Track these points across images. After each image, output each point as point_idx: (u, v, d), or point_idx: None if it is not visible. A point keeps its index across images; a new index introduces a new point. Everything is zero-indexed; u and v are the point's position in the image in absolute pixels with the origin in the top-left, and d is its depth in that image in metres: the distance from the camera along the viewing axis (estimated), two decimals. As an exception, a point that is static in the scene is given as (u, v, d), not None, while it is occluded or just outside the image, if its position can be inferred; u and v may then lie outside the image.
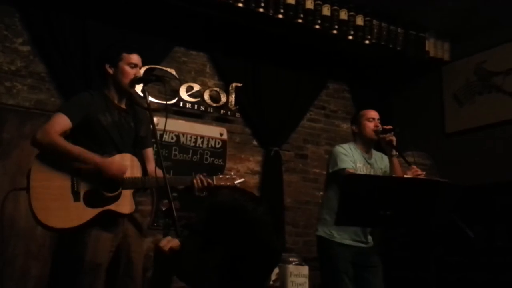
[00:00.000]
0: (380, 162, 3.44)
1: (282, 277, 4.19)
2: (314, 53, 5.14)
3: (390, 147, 3.30)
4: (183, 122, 4.64)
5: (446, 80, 5.33)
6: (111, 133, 2.62)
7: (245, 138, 5.02)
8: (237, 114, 4.89)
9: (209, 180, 2.76)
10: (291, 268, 4.21)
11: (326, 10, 4.65)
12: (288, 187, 5.11)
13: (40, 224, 2.40)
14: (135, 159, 2.69)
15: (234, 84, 4.83)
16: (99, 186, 2.50)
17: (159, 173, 2.60)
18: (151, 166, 2.78)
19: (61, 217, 2.41)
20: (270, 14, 4.38)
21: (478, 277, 4.00)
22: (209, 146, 4.73)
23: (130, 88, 2.72)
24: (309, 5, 4.54)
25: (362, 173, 3.28)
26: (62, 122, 2.50)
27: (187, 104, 4.61)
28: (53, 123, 2.49)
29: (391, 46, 5.03)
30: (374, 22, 4.94)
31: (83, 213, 2.45)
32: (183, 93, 4.59)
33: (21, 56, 4.08)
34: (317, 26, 4.62)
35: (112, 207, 2.52)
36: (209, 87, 4.80)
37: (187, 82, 4.67)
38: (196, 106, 4.65)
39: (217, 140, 4.78)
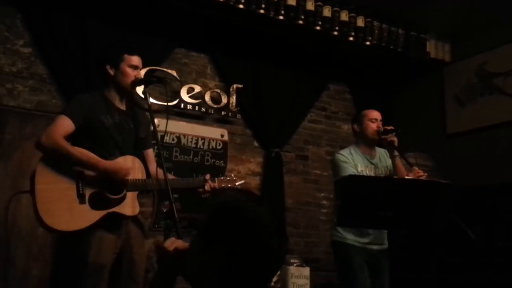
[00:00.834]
0: (385, 160, 3.43)
1: (283, 278, 4.19)
2: (315, 54, 5.14)
3: (392, 148, 3.29)
4: (184, 123, 4.64)
5: (447, 81, 5.33)
6: (113, 134, 2.62)
7: (246, 140, 5.03)
8: (238, 116, 4.89)
9: (214, 184, 2.78)
10: (292, 269, 4.21)
11: (327, 11, 4.66)
12: (289, 188, 5.11)
13: (45, 226, 2.39)
14: (137, 161, 2.69)
15: (235, 86, 4.83)
16: (104, 189, 2.50)
17: (162, 175, 2.60)
18: (152, 167, 2.79)
19: (66, 219, 2.41)
20: (271, 15, 4.38)
21: (478, 278, 4.00)
22: (210, 147, 4.74)
23: (131, 89, 2.72)
24: (310, 6, 4.55)
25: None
26: (65, 125, 2.51)
27: (188, 105, 4.62)
28: (57, 126, 2.49)
29: (392, 47, 5.03)
30: (375, 23, 4.94)
31: (88, 216, 2.45)
32: (184, 95, 4.59)
33: (22, 57, 4.09)
34: (318, 27, 4.62)
35: (116, 209, 2.53)
36: (210, 89, 4.80)
37: (188, 83, 4.68)
38: (197, 107, 4.66)
39: (218, 142, 4.79)
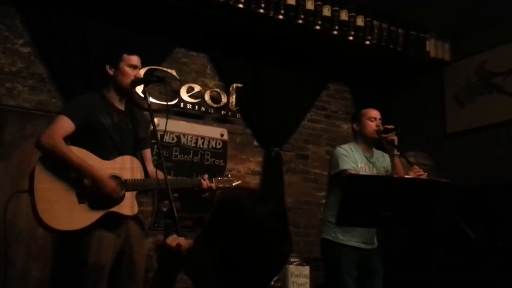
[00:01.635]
0: (382, 161, 3.43)
1: (283, 278, 4.19)
2: (315, 53, 5.14)
3: (392, 146, 3.29)
4: (184, 123, 4.64)
5: (447, 80, 5.33)
6: (112, 135, 2.62)
7: (246, 139, 5.03)
8: (238, 115, 4.89)
9: (212, 184, 2.81)
10: (292, 268, 4.21)
11: (326, 11, 4.65)
12: (289, 187, 5.11)
13: (44, 226, 2.39)
14: (136, 161, 2.69)
15: (234, 85, 4.83)
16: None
17: (161, 174, 2.60)
18: (150, 166, 2.81)
19: (65, 219, 2.41)
20: (271, 15, 4.38)
21: (479, 277, 4.00)
22: (210, 146, 4.74)
23: (131, 89, 2.72)
24: (310, 6, 4.55)
25: (364, 173, 3.27)
26: (65, 125, 2.51)
27: (188, 105, 4.61)
28: (57, 127, 2.49)
29: (391, 46, 5.03)
30: (375, 22, 4.94)
31: (87, 216, 2.45)
32: (184, 94, 4.59)
33: (22, 57, 4.08)
34: (318, 27, 4.62)
35: (115, 209, 2.53)
36: (209, 88, 4.80)
37: (187, 83, 4.67)
38: (196, 107, 4.66)
39: (218, 141, 4.78)
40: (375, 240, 3.34)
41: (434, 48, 5.26)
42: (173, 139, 4.55)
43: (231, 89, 4.82)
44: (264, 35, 4.67)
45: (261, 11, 4.33)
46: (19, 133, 3.95)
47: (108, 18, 4.27)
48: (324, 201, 5.23)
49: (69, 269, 2.53)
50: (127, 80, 2.68)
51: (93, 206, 2.47)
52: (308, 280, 4.27)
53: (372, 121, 3.37)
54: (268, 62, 5.06)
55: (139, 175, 2.67)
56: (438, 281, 2.82)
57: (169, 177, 2.81)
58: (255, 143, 5.07)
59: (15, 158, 3.88)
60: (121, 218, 2.57)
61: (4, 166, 3.85)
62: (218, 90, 4.80)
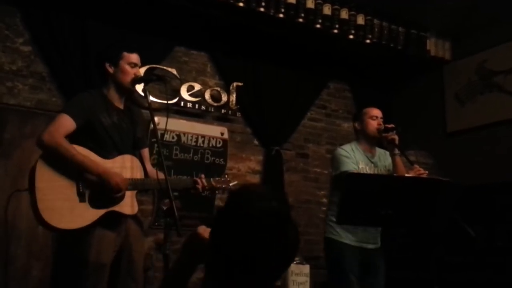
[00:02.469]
0: (384, 160, 3.43)
1: (283, 276, 4.19)
2: (315, 52, 5.14)
3: (393, 146, 3.29)
4: (184, 121, 4.64)
5: (448, 79, 5.32)
6: (111, 134, 2.62)
7: (246, 138, 5.03)
8: (238, 114, 4.89)
9: (210, 183, 2.81)
10: (292, 267, 4.22)
11: (327, 10, 4.65)
12: (289, 186, 5.11)
13: (45, 224, 2.39)
14: (135, 160, 2.69)
15: (235, 84, 4.83)
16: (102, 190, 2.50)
17: (160, 174, 2.60)
18: (149, 166, 2.82)
19: (66, 218, 2.40)
20: (271, 13, 4.38)
21: (478, 277, 3.99)
22: (210, 145, 4.73)
23: (131, 87, 2.72)
24: (310, 4, 4.54)
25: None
26: (67, 123, 2.50)
27: (188, 103, 4.61)
28: (58, 125, 2.49)
29: (392, 45, 5.03)
30: (375, 21, 4.94)
31: (88, 214, 2.45)
32: (184, 93, 4.59)
33: (22, 56, 4.08)
34: (318, 26, 4.62)
35: (116, 208, 2.53)
36: (210, 87, 4.80)
37: (188, 81, 4.67)
38: (197, 105, 4.66)
39: (218, 140, 4.78)
40: (379, 239, 3.34)
41: (434, 46, 5.25)
42: (173, 137, 4.55)
43: (231, 88, 4.82)
44: (264, 33, 4.66)
45: (262, 9, 4.33)
46: (19, 132, 3.95)
47: (108, 17, 4.27)
48: (324, 200, 5.26)
49: (70, 268, 2.53)
50: (127, 78, 2.68)
51: (94, 205, 2.47)
52: (308, 279, 4.28)
53: (374, 119, 3.36)
54: (268, 61, 5.06)
55: (139, 174, 2.67)
56: (438, 281, 2.82)
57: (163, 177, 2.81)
58: (255, 142, 5.07)
59: (15, 157, 3.88)
60: (121, 217, 2.58)
61: (4, 165, 3.85)
62: (218, 89, 4.80)
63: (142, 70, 2.86)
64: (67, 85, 4.09)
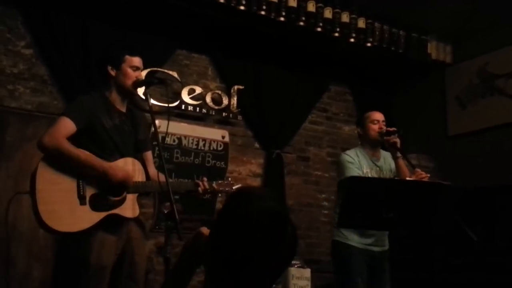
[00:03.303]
0: (389, 162, 3.43)
1: (284, 280, 4.19)
2: (316, 55, 5.15)
3: (394, 149, 3.29)
4: (185, 124, 4.64)
5: (449, 82, 5.33)
6: (113, 137, 2.62)
7: (247, 141, 5.03)
8: (239, 117, 4.89)
9: (212, 186, 2.81)
10: (293, 270, 4.21)
11: (328, 13, 4.66)
12: (290, 189, 5.11)
13: (46, 227, 2.39)
14: (137, 163, 2.69)
15: (236, 87, 4.83)
16: (105, 191, 2.50)
17: (162, 177, 2.60)
18: (152, 169, 2.81)
19: (66, 220, 2.40)
20: (272, 16, 4.39)
21: (479, 278, 3.99)
22: (211, 148, 4.74)
23: (133, 90, 2.73)
24: (311, 8, 4.55)
25: None
26: (67, 126, 2.50)
27: (189, 106, 4.62)
28: (59, 127, 2.49)
29: (393, 48, 5.03)
30: (376, 24, 4.94)
31: (88, 217, 2.45)
32: (185, 96, 4.59)
33: (24, 59, 4.09)
34: (319, 29, 4.62)
35: (117, 211, 2.53)
36: (211, 90, 4.80)
37: (189, 84, 4.67)
38: (198, 108, 4.66)
39: (219, 143, 4.78)
40: (387, 242, 3.34)
41: (435, 50, 5.26)
42: (174, 141, 4.55)
43: (232, 91, 4.82)
44: (265, 36, 4.67)
45: (263, 12, 4.34)
46: (20, 135, 3.95)
47: (109, 19, 4.28)
48: (325, 203, 5.27)
49: (71, 270, 2.53)
50: (129, 82, 2.68)
51: (95, 208, 2.47)
52: (309, 283, 4.27)
53: (375, 123, 3.37)
54: (269, 64, 5.06)
55: (141, 177, 2.67)
56: (439, 281, 2.82)
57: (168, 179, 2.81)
58: (256, 145, 5.06)
59: (17, 159, 3.88)
60: (122, 220, 2.57)
61: (6, 168, 3.86)
62: (220, 92, 4.80)
63: (143, 73, 2.86)
64: (68, 88, 4.10)
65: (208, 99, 4.71)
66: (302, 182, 5.26)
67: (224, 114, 4.80)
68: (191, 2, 4.16)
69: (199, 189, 2.76)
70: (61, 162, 2.47)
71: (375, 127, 3.36)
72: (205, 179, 2.80)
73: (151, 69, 4.31)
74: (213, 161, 4.73)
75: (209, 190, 2.79)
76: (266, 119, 5.01)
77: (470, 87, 5.08)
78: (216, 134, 4.79)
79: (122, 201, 2.55)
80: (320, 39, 4.78)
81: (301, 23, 4.53)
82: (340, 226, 2.90)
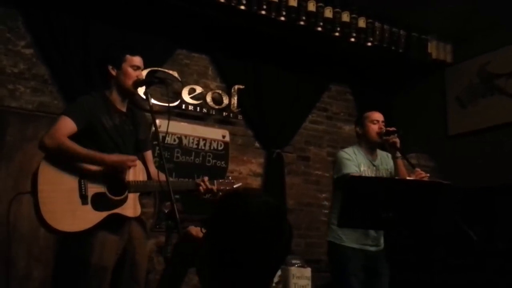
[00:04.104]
0: (386, 163, 3.43)
1: (285, 279, 4.19)
2: (316, 55, 5.15)
3: (394, 149, 3.29)
4: (186, 124, 4.64)
5: (449, 82, 5.33)
6: (113, 136, 2.62)
7: (248, 140, 5.03)
8: (240, 116, 4.90)
9: (212, 186, 2.80)
10: (294, 270, 4.21)
11: (328, 13, 4.66)
12: (291, 189, 5.11)
13: (47, 227, 2.39)
14: (138, 162, 2.69)
15: (236, 87, 4.83)
16: (106, 190, 2.51)
17: (162, 176, 2.60)
18: (152, 168, 2.81)
19: (68, 220, 2.41)
20: (272, 16, 4.39)
21: (479, 279, 3.99)
22: (212, 148, 4.74)
23: (133, 90, 2.73)
24: (311, 7, 4.55)
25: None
26: (68, 125, 2.51)
27: (190, 106, 4.62)
28: (59, 127, 2.49)
29: (393, 48, 5.03)
30: (376, 24, 4.94)
31: (90, 217, 2.45)
32: (186, 96, 4.60)
33: (24, 58, 4.09)
34: (319, 29, 4.62)
35: (118, 210, 2.53)
36: (211, 90, 4.80)
37: (189, 84, 4.68)
38: (198, 108, 4.66)
39: (220, 142, 4.79)
40: (382, 241, 3.34)
41: (435, 49, 5.26)
42: (174, 140, 4.55)
43: (232, 90, 4.82)
44: (265, 36, 4.67)
45: (263, 12, 4.34)
46: (20, 135, 3.95)
47: (110, 19, 4.28)
48: (325, 202, 5.26)
49: (71, 270, 2.53)
50: (130, 81, 2.68)
51: (96, 208, 2.47)
52: (309, 282, 4.27)
53: (375, 123, 3.37)
54: (269, 63, 5.06)
55: (141, 176, 2.67)
56: (439, 282, 2.82)
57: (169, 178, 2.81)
58: (257, 144, 5.07)
59: (17, 159, 3.88)
60: (124, 220, 2.58)
61: (6, 168, 3.86)
62: (220, 92, 4.80)
63: (143, 73, 2.86)
64: (69, 87, 4.10)
65: (208, 98, 4.71)
66: (302, 182, 5.26)
67: (224, 113, 4.81)
68: (191, 2, 4.16)
69: (200, 188, 2.77)
70: (62, 161, 2.47)
71: (375, 127, 3.36)
72: (206, 178, 2.81)
73: (152, 68, 4.31)
74: (214, 161, 4.73)
75: (210, 190, 2.80)
76: (267, 119, 5.01)
77: (470, 86, 5.08)
78: (216, 133, 4.79)
79: (124, 200, 2.55)
80: (321, 38, 4.78)
81: (302, 23, 4.53)
82: (340, 226, 2.90)
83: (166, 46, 4.63)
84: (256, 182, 4.96)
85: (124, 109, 2.75)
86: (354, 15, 4.81)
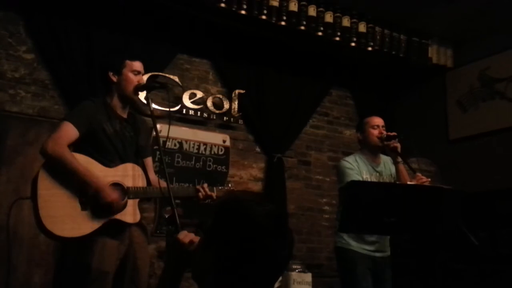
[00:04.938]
0: (389, 168, 3.42)
1: (285, 285, 4.17)
2: (317, 60, 5.15)
3: (395, 154, 3.28)
4: (186, 129, 4.64)
5: (450, 86, 5.33)
6: (114, 142, 2.63)
7: (248, 145, 5.02)
8: (240, 121, 4.89)
9: (212, 193, 2.80)
10: (294, 275, 4.19)
11: (328, 17, 4.66)
12: (291, 194, 5.10)
13: (47, 232, 2.39)
14: (138, 168, 2.69)
15: (237, 91, 4.83)
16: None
17: (162, 183, 2.60)
18: (152, 175, 2.81)
19: (68, 226, 2.41)
20: (273, 21, 4.39)
21: (482, 284, 3.98)
22: (212, 153, 4.73)
23: (134, 95, 2.73)
24: (312, 12, 4.56)
25: None
26: (70, 132, 2.51)
27: (190, 111, 4.62)
28: (62, 134, 2.50)
29: (394, 52, 5.03)
30: (377, 29, 4.95)
31: (90, 223, 2.45)
32: (186, 100, 4.60)
33: (25, 63, 4.09)
34: (320, 33, 4.63)
35: (118, 216, 2.53)
36: (212, 94, 4.80)
37: (190, 89, 4.68)
38: (199, 113, 4.66)
39: (220, 147, 4.78)
40: (388, 248, 3.34)
41: (436, 54, 5.26)
42: (175, 145, 4.55)
43: (233, 95, 4.83)
44: (266, 41, 4.68)
45: (264, 17, 4.34)
46: (21, 139, 3.95)
47: (111, 24, 4.29)
48: (326, 207, 5.26)
49: (72, 275, 2.52)
50: (130, 86, 2.69)
51: (96, 213, 2.47)
52: (310, 287, 4.25)
53: (375, 129, 3.36)
54: (270, 68, 5.07)
55: (141, 182, 2.67)
56: (441, 287, 2.81)
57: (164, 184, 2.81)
58: (257, 149, 5.06)
59: (18, 164, 3.88)
60: (124, 225, 2.57)
61: (7, 172, 3.86)
62: (221, 96, 4.80)
63: (144, 78, 2.86)
64: (70, 93, 4.10)
65: (209, 103, 4.71)
66: (303, 186, 5.25)
67: (225, 118, 4.80)
68: (192, 7, 4.17)
69: (200, 194, 2.77)
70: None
71: (375, 132, 3.35)
72: (205, 185, 2.81)
73: (153, 73, 4.32)
74: (214, 166, 4.73)
75: (209, 196, 2.80)
76: (267, 123, 5.01)
77: (471, 91, 5.08)
78: (217, 138, 4.79)
79: (123, 206, 2.54)
80: (321, 43, 4.78)
81: (302, 28, 4.53)
82: (341, 230, 2.90)
83: (167, 51, 4.64)
84: (256, 187, 4.95)
85: (125, 115, 2.75)
86: (354, 20, 4.81)
